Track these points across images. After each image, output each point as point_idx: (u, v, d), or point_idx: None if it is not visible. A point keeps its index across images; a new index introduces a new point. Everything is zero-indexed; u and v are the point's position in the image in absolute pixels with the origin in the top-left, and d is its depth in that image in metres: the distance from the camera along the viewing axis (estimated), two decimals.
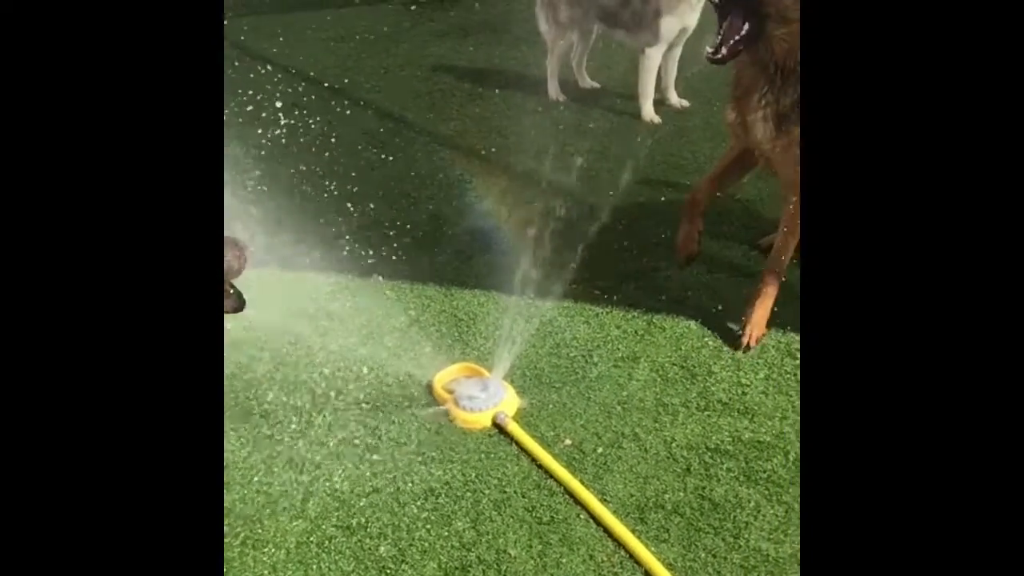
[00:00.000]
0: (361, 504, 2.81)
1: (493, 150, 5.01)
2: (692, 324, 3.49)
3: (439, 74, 6.13)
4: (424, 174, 4.80)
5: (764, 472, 2.82)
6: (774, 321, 3.41)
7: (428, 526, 2.72)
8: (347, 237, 4.07)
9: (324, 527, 2.74)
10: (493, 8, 7.31)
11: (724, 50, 3.02)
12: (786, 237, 3.30)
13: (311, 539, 2.70)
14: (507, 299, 3.68)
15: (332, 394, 3.21)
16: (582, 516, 2.72)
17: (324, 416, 3.13)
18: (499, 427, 3.05)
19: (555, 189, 4.53)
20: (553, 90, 5.58)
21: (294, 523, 2.76)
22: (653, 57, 5.14)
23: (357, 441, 3.04)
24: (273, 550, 2.68)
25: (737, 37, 3.00)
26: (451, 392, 3.17)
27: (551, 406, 3.15)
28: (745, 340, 3.32)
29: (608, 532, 2.65)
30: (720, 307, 3.57)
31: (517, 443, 2.98)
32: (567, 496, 2.79)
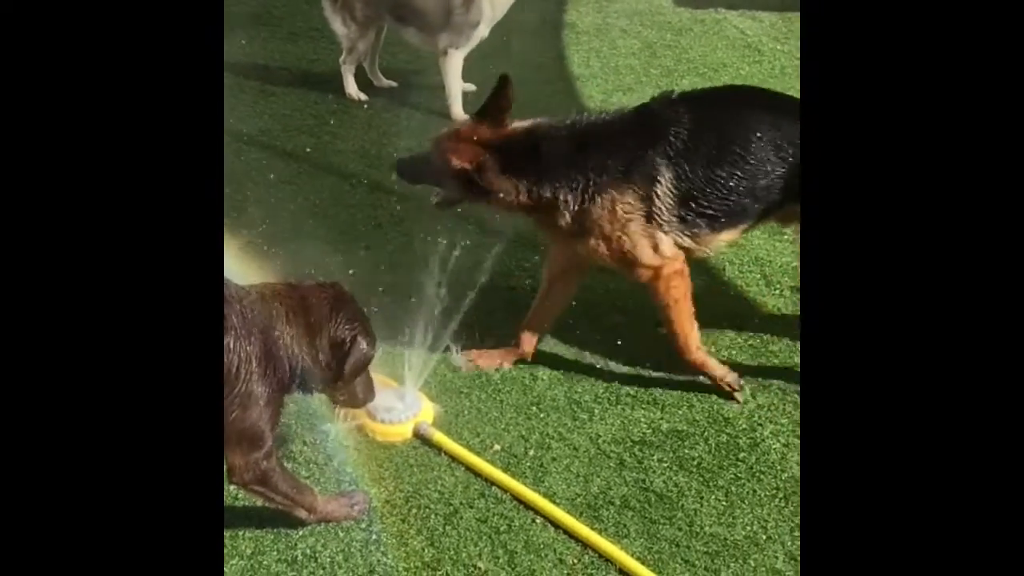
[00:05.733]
0: (300, 534, 2.60)
1: (308, 150, 4.77)
2: (576, 322, 3.52)
3: None
4: (239, 174, 4.46)
5: (693, 459, 2.92)
6: (655, 315, 3.54)
7: (382, 549, 2.57)
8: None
9: (266, 563, 2.52)
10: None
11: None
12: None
13: None
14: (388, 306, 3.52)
15: None
16: (538, 521, 2.68)
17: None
18: (422, 438, 2.93)
19: (388, 190, 4.41)
20: (352, 89, 5.40)
21: (231, 562, 2.50)
22: (457, 57, 5.15)
23: None
24: None
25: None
26: None
27: (466, 412, 3.08)
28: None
29: (569, 534, 2.64)
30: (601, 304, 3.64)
31: (447, 453, 2.88)
32: (515, 502, 2.74)
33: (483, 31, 5.09)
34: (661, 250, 2.99)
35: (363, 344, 2.49)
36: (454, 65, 5.14)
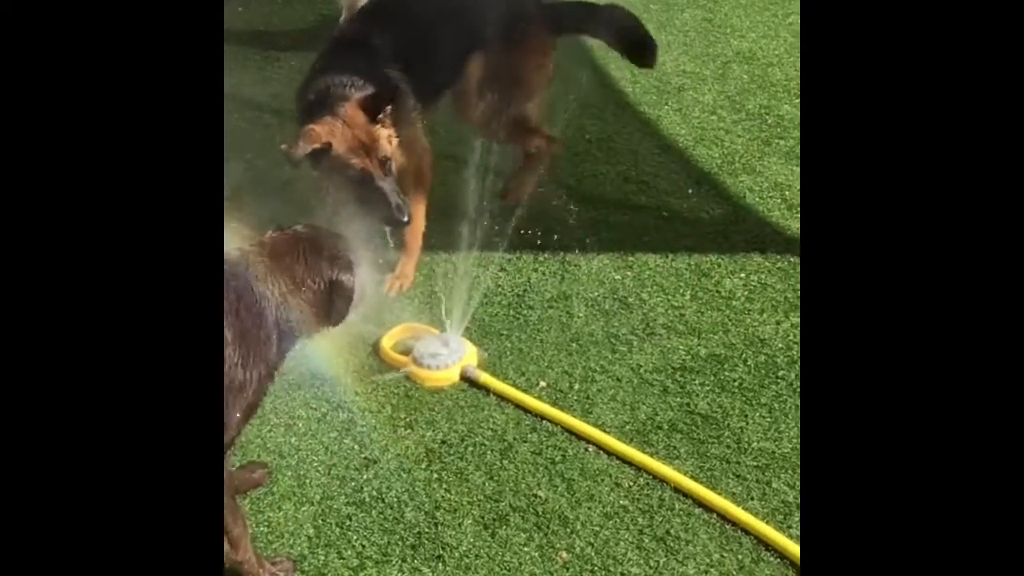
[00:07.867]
0: (365, 477, 2.70)
1: None
2: (605, 259, 3.60)
3: None
4: (255, 142, 4.51)
5: (734, 381, 3.02)
6: (681, 246, 3.61)
7: (445, 486, 2.67)
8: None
9: (336, 506, 2.61)
10: None
11: None
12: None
13: (329, 520, 2.57)
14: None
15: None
16: (590, 449, 2.78)
17: (275, 400, 2.92)
18: (469, 380, 3.02)
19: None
20: None
21: (302, 509, 2.61)
22: None
23: (328, 417, 2.89)
24: (292, 539, 2.52)
25: None
26: (407, 353, 3.09)
27: (508, 353, 3.16)
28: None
29: (623, 459, 2.73)
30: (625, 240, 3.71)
31: (495, 393, 2.97)
32: (566, 434, 2.83)
33: None
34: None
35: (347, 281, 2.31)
36: None
